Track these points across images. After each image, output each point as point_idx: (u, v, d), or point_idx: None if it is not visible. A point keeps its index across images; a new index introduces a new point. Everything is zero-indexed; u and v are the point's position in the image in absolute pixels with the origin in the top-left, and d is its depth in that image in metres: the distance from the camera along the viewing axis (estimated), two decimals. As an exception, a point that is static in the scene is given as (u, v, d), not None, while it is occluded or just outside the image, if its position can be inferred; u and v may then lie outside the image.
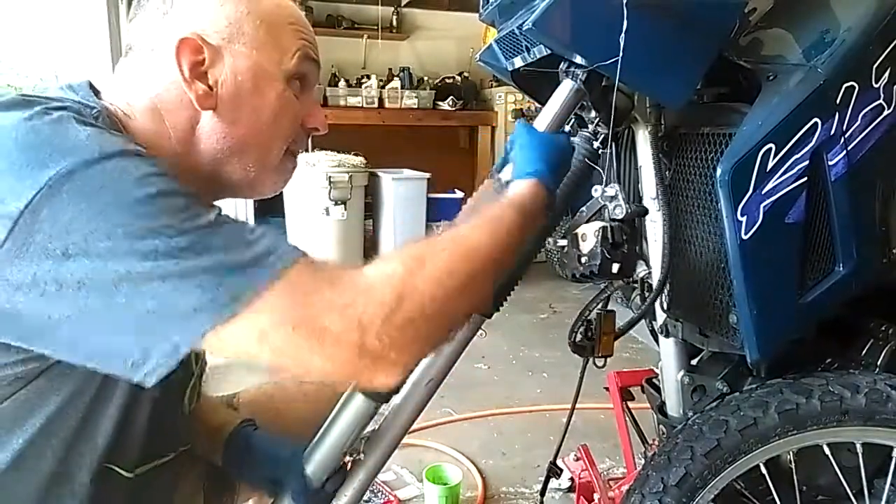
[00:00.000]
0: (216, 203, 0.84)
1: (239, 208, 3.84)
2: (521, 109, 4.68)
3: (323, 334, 0.59)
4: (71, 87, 0.73)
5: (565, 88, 0.91)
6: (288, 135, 0.80)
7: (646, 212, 1.00)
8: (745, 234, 0.90)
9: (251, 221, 4.27)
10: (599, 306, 1.17)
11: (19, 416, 0.65)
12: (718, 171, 0.90)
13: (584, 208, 0.97)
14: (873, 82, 0.92)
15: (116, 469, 0.73)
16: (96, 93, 0.74)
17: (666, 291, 1.09)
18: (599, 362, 1.17)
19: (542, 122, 0.90)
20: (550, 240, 0.96)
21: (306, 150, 4.05)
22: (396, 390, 0.89)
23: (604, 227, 0.88)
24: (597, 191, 0.93)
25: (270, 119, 0.76)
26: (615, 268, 0.88)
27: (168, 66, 0.72)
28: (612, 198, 0.91)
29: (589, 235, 0.89)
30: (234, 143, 0.75)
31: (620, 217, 0.90)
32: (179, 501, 0.93)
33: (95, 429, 0.69)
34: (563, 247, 0.94)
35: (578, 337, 1.14)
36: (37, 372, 0.64)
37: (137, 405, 0.72)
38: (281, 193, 4.26)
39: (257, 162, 0.78)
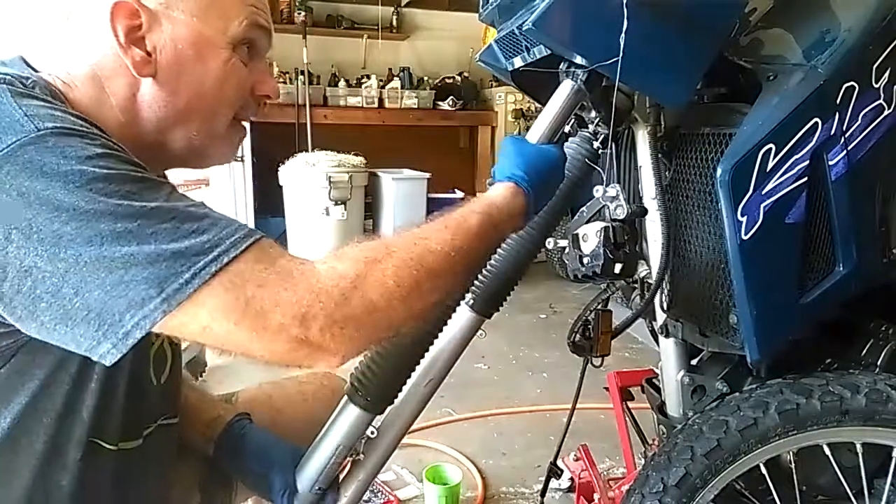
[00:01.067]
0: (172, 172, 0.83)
1: (239, 208, 3.84)
2: (521, 109, 4.69)
3: (265, 328, 0.59)
4: (3, 62, 0.71)
5: (565, 88, 0.91)
6: (234, 103, 0.78)
7: (646, 212, 1.00)
8: (746, 234, 0.90)
9: (251, 222, 4.25)
10: (598, 306, 1.18)
11: (2, 395, 0.65)
12: (718, 172, 0.90)
13: (584, 209, 0.96)
14: (873, 82, 0.92)
15: (100, 443, 0.73)
16: (33, 69, 0.72)
17: (666, 291, 1.09)
18: (597, 362, 1.17)
19: (542, 122, 0.90)
20: (550, 240, 0.96)
21: (307, 150, 4.05)
22: (391, 401, 0.89)
23: (606, 228, 0.88)
24: (598, 191, 0.93)
25: (215, 87, 0.74)
26: (618, 268, 0.88)
27: (105, 31, 0.69)
28: (614, 198, 0.91)
29: (591, 236, 0.89)
30: (177, 111, 0.74)
31: (622, 217, 0.90)
32: (177, 498, 0.93)
33: (81, 403, 0.69)
34: (563, 247, 0.94)
35: (577, 337, 1.14)
36: (14, 349, 0.64)
37: (117, 374, 0.72)
38: (281, 193, 4.24)
39: (202, 131, 0.76)
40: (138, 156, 0.68)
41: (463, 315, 0.93)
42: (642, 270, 1.02)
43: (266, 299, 0.59)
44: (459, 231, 0.71)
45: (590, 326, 1.14)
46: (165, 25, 0.70)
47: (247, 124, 0.83)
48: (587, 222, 0.93)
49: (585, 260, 0.90)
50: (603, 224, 0.89)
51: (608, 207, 0.92)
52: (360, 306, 0.62)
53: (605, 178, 0.94)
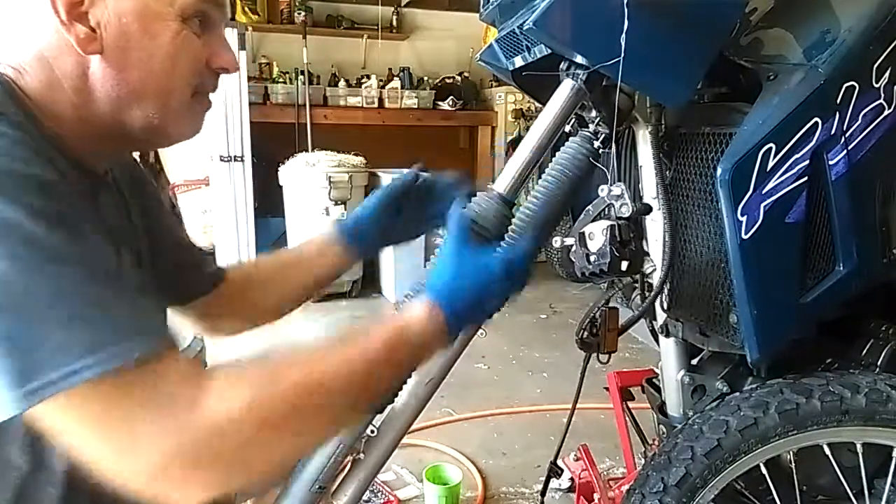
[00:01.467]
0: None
1: (239, 208, 3.84)
2: (521, 109, 4.70)
3: (126, 452, 0.54)
4: None
5: (566, 88, 0.91)
6: (190, 76, 0.75)
7: (650, 210, 1.00)
8: (746, 233, 0.90)
9: (251, 222, 4.18)
10: (603, 303, 1.18)
11: None
12: (719, 171, 0.90)
13: (590, 207, 0.97)
14: (873, 82, 0.92)
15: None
16: None
17: (666, 291, 1.09)
18: (603, 359, 1.17)
19: (543, 122, 0.91)
20: (557, 239, 0.97)
21: (307, 150, 4.04)
22: (391, 399, 0.89)
23: (612, 226, 0.88)
24: (603, 190, 0.94)
25: (166, 62, 0.71)
26: (624, 265, 0.88)
27: (46, 9, 0.66)
28: (619, 196, 0.92)
29: (597, 234, 0.90)
30: (130, 88, 0.71)
31: (627, 215, 0.91)
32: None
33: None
34: (569, 246, 0.94)
35: (585, 334, 1.14)
36: None
37: None
38: (281, 193, 4.21)
39: (160, 108, 0.73)
40: (99, 140, 0.66)
41: (463, 314, 0.93)
42: (648, 267, 1.02)
43: (137, 422, 0.54)
44: (361, 352, 0.68)
45: (597, 323, 1.14)
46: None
47: (212, 96, 0.80)
48: (593, 221, 0.94)
49: (592, 258, 0.90)
50: (609, 222, 0.89)
51: (613, 206, 0.92)
52: (236, 444, 0.57)
53: (609, 177, 0.95)
